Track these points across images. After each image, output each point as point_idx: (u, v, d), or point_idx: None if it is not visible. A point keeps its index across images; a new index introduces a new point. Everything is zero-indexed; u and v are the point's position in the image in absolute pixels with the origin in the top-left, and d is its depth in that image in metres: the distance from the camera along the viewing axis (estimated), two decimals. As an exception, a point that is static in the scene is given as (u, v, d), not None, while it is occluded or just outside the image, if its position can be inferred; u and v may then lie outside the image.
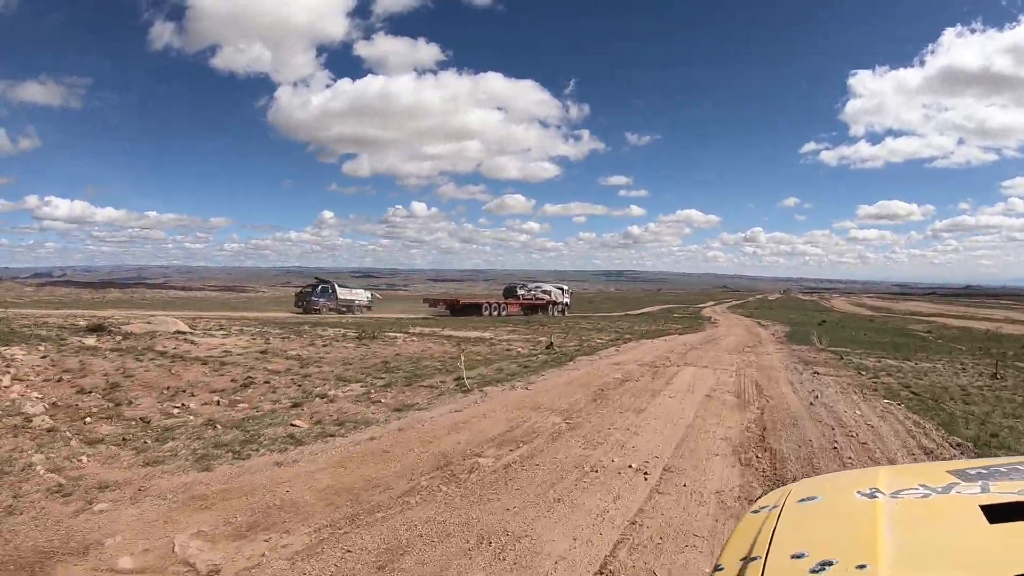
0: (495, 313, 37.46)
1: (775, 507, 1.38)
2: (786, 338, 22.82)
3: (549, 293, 43.67)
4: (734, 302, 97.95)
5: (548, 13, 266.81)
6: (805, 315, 47.63)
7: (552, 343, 17.01)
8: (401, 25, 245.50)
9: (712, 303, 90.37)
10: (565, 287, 46.76)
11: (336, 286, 40.53)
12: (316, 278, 43.05)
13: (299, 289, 44.23)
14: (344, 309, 38.74)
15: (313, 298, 38.93)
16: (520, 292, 42.85)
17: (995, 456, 5.09)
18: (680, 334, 23.53)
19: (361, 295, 42.11)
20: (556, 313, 41.43)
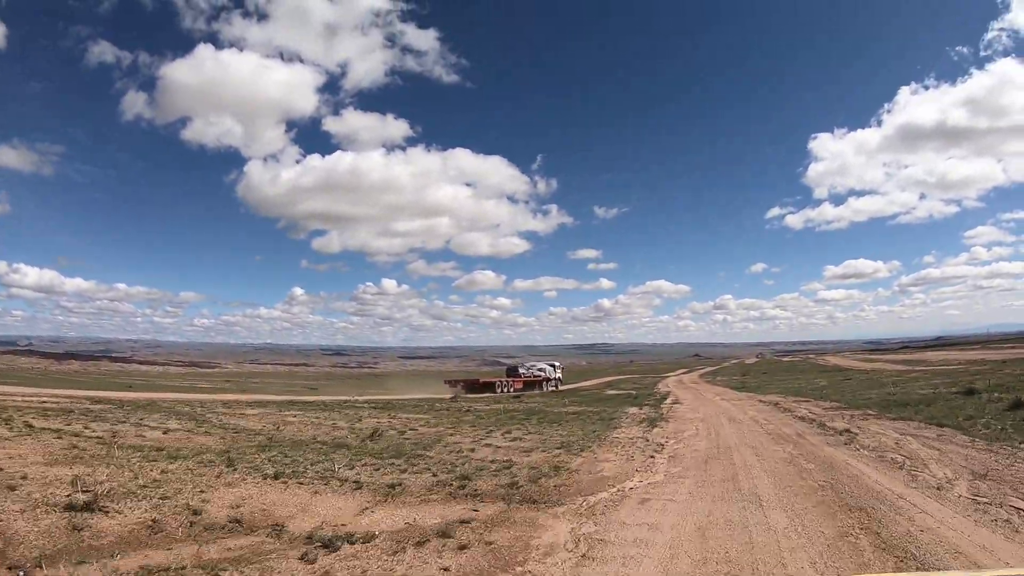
0: (506, 391, 37.74)
1: None
2: None
3: (544, 371, 44.75)
4: (708, 369, 76.59)
5: (515, 90, 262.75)
6: (855, 386, 23.44)
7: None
8: (370, 101, 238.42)
9: (682, 371, 69.12)
10: (557, 364, 47.44)
11: None
12: None
13: None
14: None
15: None
16: (521, 371, 43.94)
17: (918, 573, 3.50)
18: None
19: None
20: (550, 388, 41.97)
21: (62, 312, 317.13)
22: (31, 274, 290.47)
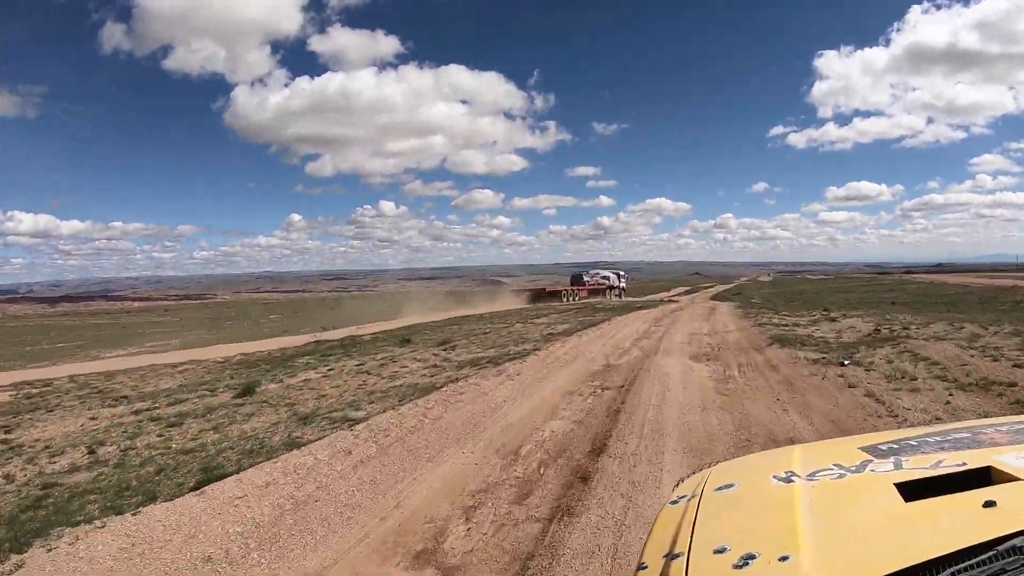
0: (572, 299, 37.73)
1: (693, 497, 1.21)
2: None
3: (608, 279, 44.40)
4: (720, 288, 67.96)
5: (510, 2, 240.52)
6: None
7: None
8: (357, 18, 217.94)
9: (682, 290, 59.48)
10: (622, 272, 46.90)
11: None
12: None
13: None
14: None
15: None
16: (586, 279, 43.84)
17: (903, 428, 3.36)
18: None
19: None
20: (614, 296, 41.61)
21: (60, 256, 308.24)
22: (26, 220, 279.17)
